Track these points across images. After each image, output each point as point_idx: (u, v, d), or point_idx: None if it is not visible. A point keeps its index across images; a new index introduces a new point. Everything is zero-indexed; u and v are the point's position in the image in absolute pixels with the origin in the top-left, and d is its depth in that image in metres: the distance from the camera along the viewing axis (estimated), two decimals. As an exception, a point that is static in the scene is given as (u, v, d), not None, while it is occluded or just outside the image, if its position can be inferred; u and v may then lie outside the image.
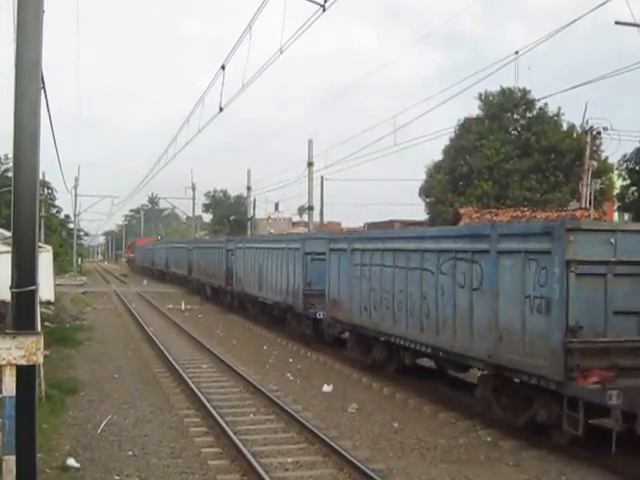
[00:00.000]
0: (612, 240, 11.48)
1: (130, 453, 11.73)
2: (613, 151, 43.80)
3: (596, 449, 11.05)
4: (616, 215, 38.81)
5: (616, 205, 38.68)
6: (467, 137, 48.61)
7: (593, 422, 11.14)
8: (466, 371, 15.38)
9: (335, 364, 20.29)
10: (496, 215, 37.60)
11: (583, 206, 38.09)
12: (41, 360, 7.54)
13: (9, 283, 7.52)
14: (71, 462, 10.91)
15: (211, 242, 47.88)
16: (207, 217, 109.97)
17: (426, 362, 17.35)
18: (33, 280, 7.57)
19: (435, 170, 50.43)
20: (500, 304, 12.58)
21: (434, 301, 14.73)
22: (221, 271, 37.36)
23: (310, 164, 42.58)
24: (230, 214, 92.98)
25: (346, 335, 21.41)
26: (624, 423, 10.21)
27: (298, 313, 24.82)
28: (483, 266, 13.14)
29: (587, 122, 38.33)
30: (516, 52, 19.39)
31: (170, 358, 20.45)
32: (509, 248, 12.56)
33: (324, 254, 21.40)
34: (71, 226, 79.22)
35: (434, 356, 15.81)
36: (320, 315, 22.25)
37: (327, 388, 17.04)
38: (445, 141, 50.81)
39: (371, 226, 44.91)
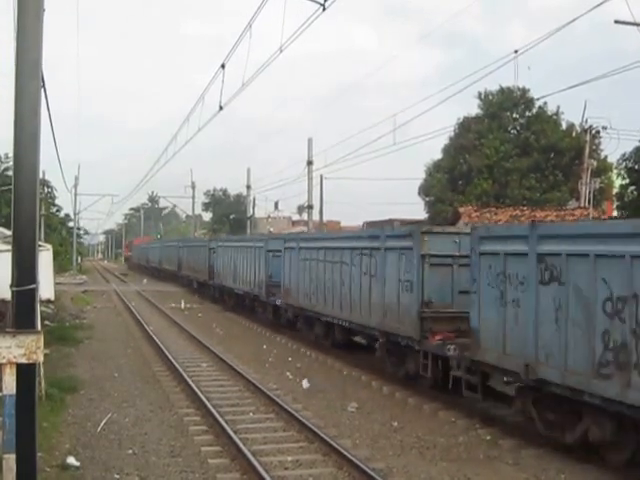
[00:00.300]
0: (457, 240, 15.75)
1: (130, 452, 11.75)
2: (612, 150, 43.85)
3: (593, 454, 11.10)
4: (615, 214, 38.78)
5: (615, 204, 38.65)
6: (467, 136, 48.64)
7: (454, 374, 14.15)
8: (374, 341, 18.75)
9: (335, 363, 20.30)
10: (495, 214, 37.62)
11: (582, 205, 38.13)
12: (41, 359, 7.54)
13: (9, 282, 7.53)
14: (71, 461, 10.93)
15: (196, 241, 52.84)
16: (207, 216, 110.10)
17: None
18: (33, 279, 7.58)
19: (435, 169, 50.47)
20: (386, 287, 17.25)
21: (348, 287, 19.53)
22: (205, 267, 41.63)
23: (309, 163, 42.56)
24: (230, 213, 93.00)
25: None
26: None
27: (262, 301, 29.62)
28: (377, 259, 17.79)
29: (586, 121, 38.45)
30: (515, 51, 19.40)
31: (170, 357, 20.47)
32: (392, 246, 17.20)
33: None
34: (71, 225, 79.31)
35: (350, 329, 20.36)
36: (278, 302, 26.59)
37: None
38: (445, 140, 50.91)
39: (370, 225, 44.82)
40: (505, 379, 13.17)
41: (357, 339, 21.78)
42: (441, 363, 15.09)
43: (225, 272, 36.66)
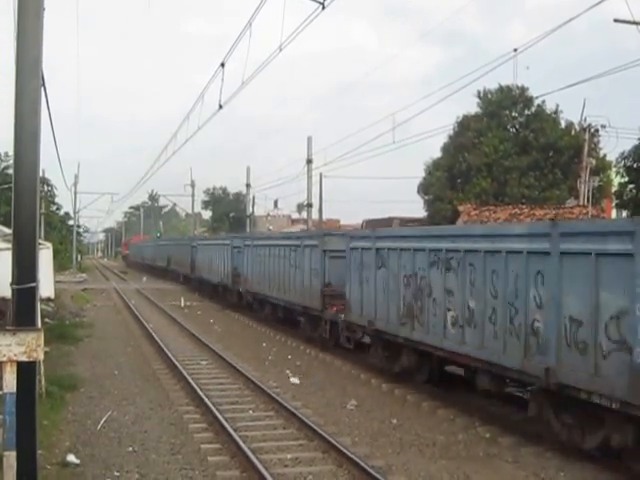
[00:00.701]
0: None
1: (130, 449, 11.78)
2: (611, 148, 43.79)
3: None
4: (614, 212, 38.82)
5: (614, 202, 38.67)
6: (466, 134, 48.63)
7: (361, 340, 19.77)
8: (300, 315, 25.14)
9: (335, 361, 20.35)
10: (494, 212, 37.66)
11: (581, 203, 38.17)
12: (41, 356, 7.55)
13: (10, 280, 7.56)
14: (71, 458, 10.96)
15: (182, 240, 59.84)
16: (207, 214, 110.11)
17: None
18: (33, 277, 7.60)
19: (434, 167, 50.47)
20: (304, 275, 23.59)
21: (283, 275, 25.83)
22: (188, 262, 48.72)
23: (309, 161, 42.63)
24: (229, 211, 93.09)
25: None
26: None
27: (230, 289, 35.70)
28: (298, 254, 24.39)
29: (585, 119, 38.42)
30: (515, 50, 19.43)
31: (170, 355, 20.50)
32: (307, 244, 23.75)
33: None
34: (71, 223, 79.37)
35: (286, 307, 26.30)
36: (241, 289, 32.89)
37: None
38: (444, 139, 50.91)
39: (369, 223, 44.84)
40: (362, 332, 18.99)
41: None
42: (329, 325, 21.39)
43: (203, 266, 43.38)
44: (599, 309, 10.12)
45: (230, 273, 34.86)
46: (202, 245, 45.46)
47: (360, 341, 19.81)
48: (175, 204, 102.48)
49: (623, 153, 34.84)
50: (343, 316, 19.66)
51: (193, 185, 78.14)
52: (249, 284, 31.12)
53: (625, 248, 9.72)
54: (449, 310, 14.12)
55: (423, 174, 51.39)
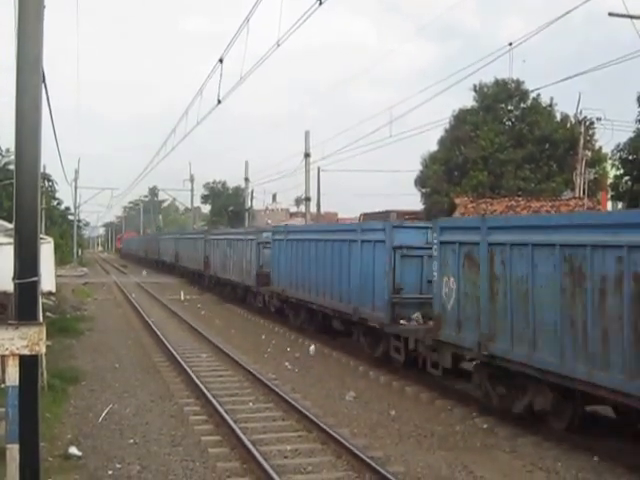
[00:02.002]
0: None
1: (131, 441, 11.87)
2: (607, 141, 43.96)
3: (597, 437, 11.24)
4: (610, 204, 38.92)
5: (610, 194, 38.78)
6: (462, 128, 48.58)
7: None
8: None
9: (333, 353, 20.45)
10: (491, 205, 37.74)
11: (577, 195, 38.26)
12: (43, 350, 7.61)
13: (11, 274, 7.63)
14: (73, 450, 11.05)
15: (167, 235, 70.25)
16: (206, 208, 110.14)
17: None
18: (35, 271, 7.64)
19: (430, 161, 50.41)
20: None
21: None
22: (172, 253, 57.99)
23: (307, 155, 42.61)
24: (228, 205, 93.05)
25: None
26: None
27: (202, 274, 42.90)
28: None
29: (581, 112, 38.51)
30: (510, 44, 19.46)
31: (170, 347, 20.60)
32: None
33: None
34: (71, 218, 79.48)
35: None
36: (210, 273, 40.42)
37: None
38: (440, 132, 50.88)
39: (367, 216, 44.91)
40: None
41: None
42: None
43: (185, 256, 50.77)
44: None
45: (202, 262, 36.25)
46: (183, 239, 49.03)
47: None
48: (174, 199, 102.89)
49: (618, 145, 34.95)
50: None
51: (192, 179, 78.28)
52: (214, 270, 34.57)
53: None
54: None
55: (420, 167, 51.42)
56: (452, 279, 13.85)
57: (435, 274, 14.48)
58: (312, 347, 21.01)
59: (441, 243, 14.34)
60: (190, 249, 49.07)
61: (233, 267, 35.10)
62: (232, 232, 41.07)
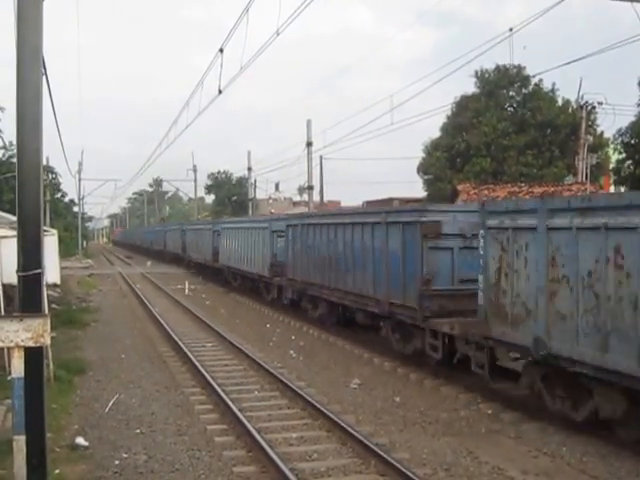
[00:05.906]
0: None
1: (137, 431, 11.92)
2: (608, 125, 43.80)
3: (605, 429, 11.26)
4: (612, 188, 38.89)
5: (612, 179, 38.72)
6: (464, 114, 48.43)
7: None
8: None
9: (337, 341, 20.48)
10: (493, 191, 37.68)
11: (580, 180, 38.20)
12: (48, 342, 7.64)
13: (16, 267, 7.65)
14: (80, 441, 11.10)
15: (157, 227, 78.19)
16: (209, 198, 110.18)
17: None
18: (39, 263, 7.68)
19: (433, 148, 50.29)
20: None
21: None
22: (162, 243, 65.47)
23: (309, 144, 42.58)
24: (232, 195, 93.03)
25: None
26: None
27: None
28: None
29: (582, 97, 38.38)
30: (510, 29, 19.38)
31: (175, 337, 20.66)
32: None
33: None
34: (76, 210, 79.65)
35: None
36: (201, 261, 44.55)
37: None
38: (443, 119, 50.74)
39: (370, 204, 44.84)
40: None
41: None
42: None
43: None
44: None
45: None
46: (171, 231, 54.82)
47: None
48: (178, 189, 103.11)
49: (620, 130, 34.94)
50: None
51: (195, 170, 78.33)
52: (201, 256, 36.13)
53: None
54: None
55: (422, 154, 51.30)
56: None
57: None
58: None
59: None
60: (176, 239, 55.51)
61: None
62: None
